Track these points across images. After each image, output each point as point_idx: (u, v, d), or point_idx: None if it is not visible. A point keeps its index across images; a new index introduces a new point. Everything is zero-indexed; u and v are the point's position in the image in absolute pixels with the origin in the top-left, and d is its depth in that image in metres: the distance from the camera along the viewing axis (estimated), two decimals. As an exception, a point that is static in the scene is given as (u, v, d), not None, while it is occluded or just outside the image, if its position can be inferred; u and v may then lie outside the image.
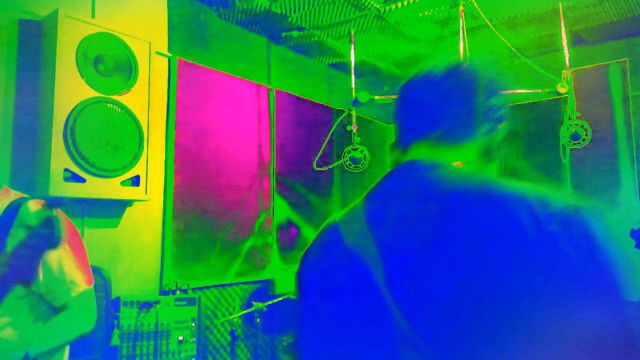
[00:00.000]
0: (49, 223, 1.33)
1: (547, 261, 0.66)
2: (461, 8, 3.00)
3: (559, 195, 0.73)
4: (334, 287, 0.84)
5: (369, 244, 0.79)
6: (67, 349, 1.66)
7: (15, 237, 1.41)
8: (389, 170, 0.91)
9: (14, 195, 1.57)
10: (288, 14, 3.58)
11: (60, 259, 1.54)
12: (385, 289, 0.74)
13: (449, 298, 0.69)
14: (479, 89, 0.88)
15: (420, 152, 0.88)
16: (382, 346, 0.75)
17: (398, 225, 0.78)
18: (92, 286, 1.64)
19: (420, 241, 0.74)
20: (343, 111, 4.28)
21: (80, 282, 1.59)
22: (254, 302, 3.03)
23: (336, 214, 0.93)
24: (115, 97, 2.45)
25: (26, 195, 1.59)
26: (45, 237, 1.33)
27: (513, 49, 3.42)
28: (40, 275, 1.51)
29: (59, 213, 1.47)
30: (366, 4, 3.43)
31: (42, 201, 1.55)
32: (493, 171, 0.91)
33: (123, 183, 2.46)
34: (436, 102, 0.89)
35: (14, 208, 1.49)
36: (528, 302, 0.65)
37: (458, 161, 0.86)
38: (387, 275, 0.75)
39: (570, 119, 2.98)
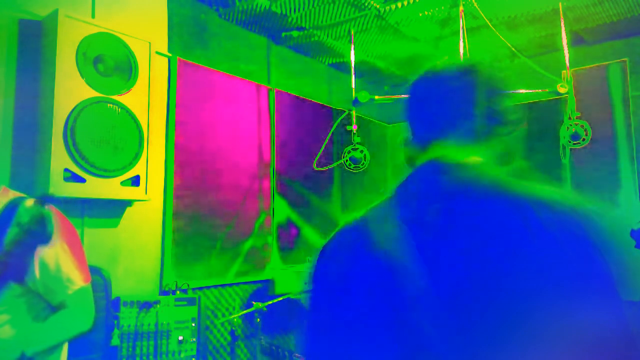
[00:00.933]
0: (40, 220, 1.33)
1: (547, 261, 0.66)
2: (461, 8, 3.00)
3: (561, 197, 0.73)
4: (349, 286, 0.84)
5: (401, 246, 0.79)
6: (65, 348, 1.65)
7: (8, 235, 1.42)
8: (409, 167, 0.91)
9: (12, 195, 1.57)
10: (288, 14, 3.58)
11: (57, 257, 1.54)
12: (401, 288, 0.75)
13: (449, 298, 0.69)
14: (495, 90, 0.89)
15: (441, 151, 0.88)
16: (384, 346, 0.75)
17: (423, 226, 0.79)
18: (89, 284, 1.63)
19: (434, 241, 0.75)
20: (343, 111, 4.28)
21: (77, 280, 1.58)
22: (254, 302, 3.03)
23: (359, 211, 0.93)
24: (115, 97, 2.44)
25: (24, 195, 1.59)
26: (36, 233, 1.33)
27: (513, 49, 3.42)
28: (37, 273, 1.51)
29: (52, 210, 1.47)
30: (366, 4, 3.43)
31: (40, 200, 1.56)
32: (511, 171, 0.91)
33: (123, 183, 2.46)
34: (454, 101, 0.89)
35: (12, 208, 1.50)
36: (528, 302, 0.65)
37: (485, 162, 0.87)
38: (405, 276, 0.75)
39: (570, 119, 2.98)
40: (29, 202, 1.51)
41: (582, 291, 0.65)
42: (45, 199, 1.42)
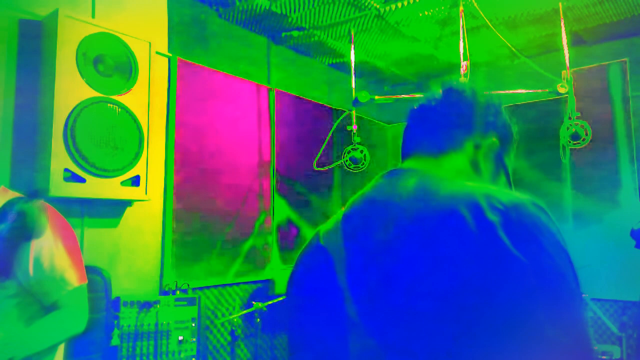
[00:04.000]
0: (26, 214, 1.31)
1: (505, 259, 0.65)
2: (461, 8, 3.00)
3: (504, 192, 0.73)
4: (307, 294, 0.88)
5: (340, 251, 0.81)
6: (60, 350, 1.62)
7: None
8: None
9: (12, 195, 1.56)
10: (288, 14, 3.58)
11: (51, 255, 1.51)
12: (348, 297, 0.76)
13: (402, 302, 0.70)
14: (468, 104, 0.93)
15: (409, 164, 0.93)
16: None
17: (365, 231, 0.81)
18: (84, 284, 1.61)
19: (378, 246, 0.76)
20: (343, 111, 4.27)
21: (71, 280, 1.55)
22: (254, 302, 3.03)
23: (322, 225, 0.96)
24: (115, 97, 2.44)
25: (23, 195, 1.58)
26: (22, 228, 1.31)
27: (513, 49, 3.42)
28: (31, 271, 1.48)
29: (43, 205, 1.44)
30: (366, 4, 3.43)
31: (43, 202, 1.55)
32: (486, 181, 0.92)
33: (123, 183, 2.46)
34: (428, 121, 0.95)
35: (10, 207, 1.49)
36: (486, 298, 0.64)
37: (447, 171, 0.89)
38: (349, 285, 0.77)
39: (570, 119, 2.98)
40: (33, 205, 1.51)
41: (538, 289, 0.65)
42: (35, 195, 1.40)
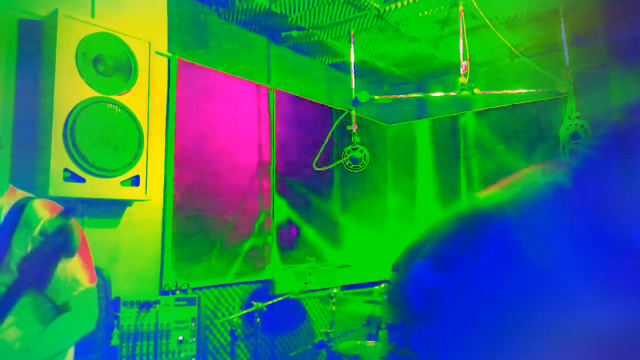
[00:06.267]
0: (65, 232, 1.32)
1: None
2: (461, 8, 3.00)
3: None
4: None
5: None
6: (70, 352, 1.65)
7: (32, 242, 1.42)
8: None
9: (20, 194, 1.57)
10: (288, 13, 3.58)
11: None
12: None
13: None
14: None
15: None
16: None
17: None
18: (94, 285, 1.63)
19: None
20: (343, 111, 4.28)
21: (83, 281, 1.58)
22: (254, 302, 3.02)
23: None
24: (115, 97, 2.44)
25: (31, 195, 1.59)
26: (61, 245, 1.32)
27: (513, 49, 3.42)
28: None
29: (73, 221, 1.47)
30: (366, 4, 3.43)
31: (48, 201, 1.56)
32: None
33: (123, 183, 2.46)
34: None
35: (19, 207, 1.50)
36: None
37: None
38: None
39: (570, 118, 2.98)
40: (38, 203, 1.52)
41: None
42: (68, 210, 1.40)
